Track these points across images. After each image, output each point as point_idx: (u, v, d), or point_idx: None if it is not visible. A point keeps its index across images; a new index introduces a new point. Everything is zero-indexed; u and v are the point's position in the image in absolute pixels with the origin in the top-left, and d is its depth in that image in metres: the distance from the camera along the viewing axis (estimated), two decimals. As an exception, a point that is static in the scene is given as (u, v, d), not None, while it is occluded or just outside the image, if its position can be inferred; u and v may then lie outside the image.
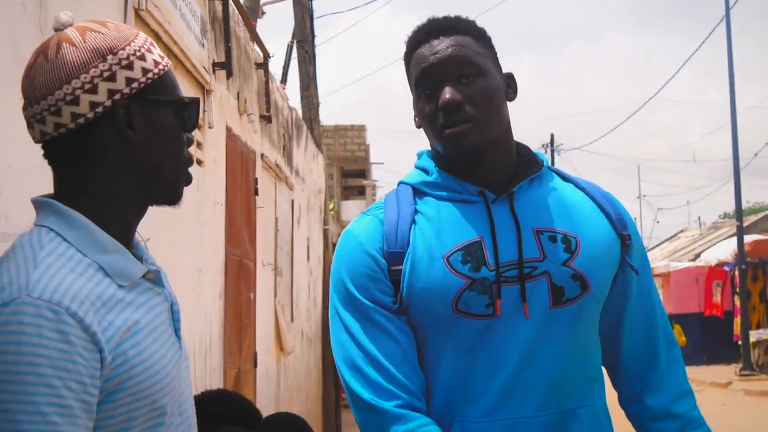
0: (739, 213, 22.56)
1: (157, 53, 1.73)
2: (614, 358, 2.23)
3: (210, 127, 6.03)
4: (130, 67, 1.66)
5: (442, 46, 2.09)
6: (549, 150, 45.58)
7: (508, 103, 2.17)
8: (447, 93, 2.05)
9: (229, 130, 6.74)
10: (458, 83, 2.07)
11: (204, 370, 5.88)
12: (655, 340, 2.20)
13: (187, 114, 1.75)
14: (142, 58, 1.68)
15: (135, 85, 1.66)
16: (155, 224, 4.73)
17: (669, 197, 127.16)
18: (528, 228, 2.08)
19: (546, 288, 2.04)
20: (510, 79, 2.18)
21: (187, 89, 5.54)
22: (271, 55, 8.19)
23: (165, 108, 1.72)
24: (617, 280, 2.17)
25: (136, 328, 1.59)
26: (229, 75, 6.54)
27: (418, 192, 2.17)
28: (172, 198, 1.79)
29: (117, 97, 1.64)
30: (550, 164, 2.26)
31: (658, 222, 45.78)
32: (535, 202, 2.12)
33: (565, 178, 2.24)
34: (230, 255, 6.72)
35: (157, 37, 4.84)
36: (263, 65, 8.20)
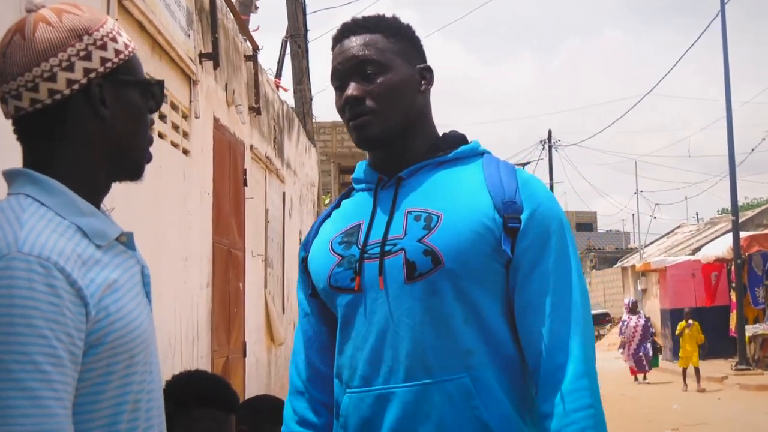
0: (735, 208, 22.60)
1: (125, 37, 1.82)
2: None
3: (196, 117, 6.10)
4: (104, 47, 1.75)
5: (351, 45, 2.26)
6: (546, 146, 45.67)
7: (423, 93, 2.31)
8: (349, 89, 2.23)
9: (216, 120, 6.80)
10: (362, 79, 2.23)
11: (191, 357, 5.95)
12: (546, 329, 2.14)
13: (152, 95, 1.85)
14: (114, 40, 1.77)
15: (109, 64, 1.75)
16: (138, 211, 4.80)
17: (667, 193, 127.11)
18: (402, 209, 2.22)
19: (401, 263, 2.14)
20: (425, 71, 2.31)
21: (172, 79, 5.61)
22: (260, 47, 8.24)
23: (133, 88, 1.81)
24: (510, 264, 2.17)
25: (116, 286, 1.67)
26: (216, 66, 6.60)
27: (353, 188, 2.41)
28: (136, 173, 1.87)
29: (92, 75, 1.73)
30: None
31: (655, 218, 45.73)
32: (421, 185, 2.24)
33: (483, 165, 2.29)
34: (218, 244, 6.78)
35: (141, 27, 4.91)
36: (252, 57, 8.27)
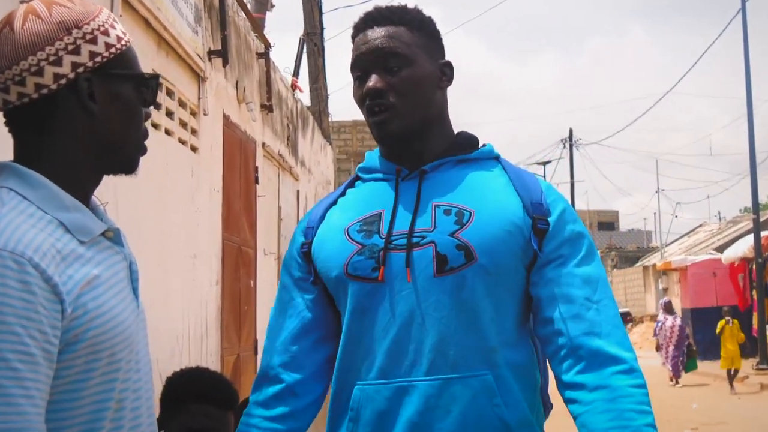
0: (756, 207, 22.40)
1: (119, 29, 1.78)
2: (540, 338, 2.23)
3: (205, 114, 6.09)
4: (94, 41, 1.71)
5: (375, 35, 2.22)
6: (567, 144, 45.49)
7: (442, 90, 2.29)
8: (371, 81, 2.19)
9: (226, 117, 6.79)
10: (385, 72, 2.20)
11: (199, 354, 5.94)
12: (581, 316, 2.13)
13: (147, 89, 1.82)
14: (106, 33, 1.74)
15: (98, 59, 1.72)
16: (143, 208, 4.79)
17: (689, 191, 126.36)
18: (428, 202, 2.19)
19: (431, 256, 2.12)
20: (446, 67, 2.30)
21: (179, 76, 5.60)
22: (272, 45, 8.23)
23: (126, 82, 1.78)
24: (535, 263, 2.18)
25: (96, 282, 1.64)
26: (225, 63, 6.59)
27: (358, 177, 2.37)
28: (129, 167, 1.84)
29: (80, 70, 1.70)
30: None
31: (676, 216, 45.58)
32: (446, 180, 2.23)
33: (505, 168, 2.31)
34: (228, 242, 6.77)
35: (147, 23, 4.90)
36: (264, 55, 8.25)
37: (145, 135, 1.84)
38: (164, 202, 5.22)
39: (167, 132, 5.31)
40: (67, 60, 1.68)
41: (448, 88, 2.32)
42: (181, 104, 5.64)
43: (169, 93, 5.38)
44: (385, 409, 2.12)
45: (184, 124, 5.69)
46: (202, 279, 6.09)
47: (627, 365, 2.08)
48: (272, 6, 13.65)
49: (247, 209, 7.49)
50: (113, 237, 1.76)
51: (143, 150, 1.84)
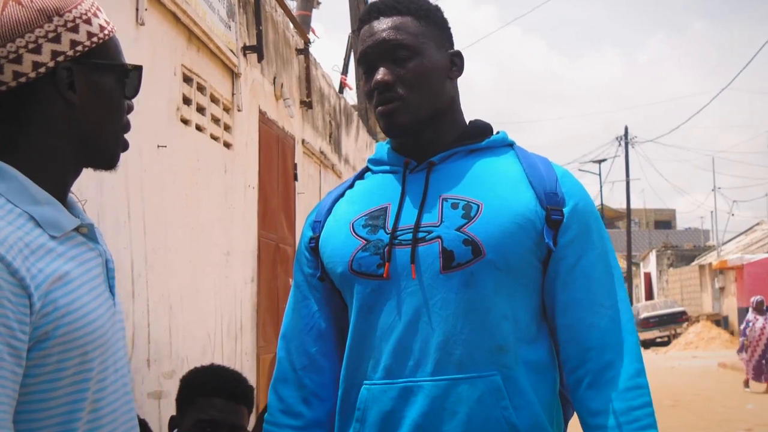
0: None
1: (103, 18, 1.73)
2: (554, 340, 2.16)
3: (239, 110, 6.03)
4: (75, 29, 1.67)
5: (381, 27, 2.17)
6: (623, 142, 45.04)
7: (452, 80, 2.23)
8: (379, 74, 2.15)
9: (262, 114, 6.73)
10: (393, 64, 2.15)
11: (233, 352, 5.89)
12: (594, 325, 2.07)
13: (129, 80, 1.77)
14: (88, 21, 1.69)
15: (79, 48, 1.67)
16: (175, 205, 4.74)
17: (746, 189, 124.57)
18: (435, 196, 2.12)
19: (437, 252, 2.05)
20: (456, 57, 2.24)
21: (212, 71, 5.54)
22: (311, 41, 8.17)
23: (107, 73, 1.73)
24: (551, 257, 2.11)
25: (68, 278, 1.58)
26: (260, 58, 6.53)
27: (368, 169, 2.32)
28: (109, 162, 1.78)
29: (60, 58, 1.65)
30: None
31: (733, 215, 44.81)
32: (455, 172, 2.16)
33: (519, 156, 2.24)
34: (264, 239, 6.71)
35: (176, 18, 4.85)
36: (304, 51, 8.19)
37: (127, 128, 1.78)
38: (196, 199, 5.17)
39: (198, 128, 5.26)
40: (47, 48, 1.63)
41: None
42: (214, 100, 5.58)
43: (201, 89, 5.32)
44: (390, 410, 2.06)
45: (216, 120, 5.64)
46: (236, 277, 6.03)
47: (632, 382, 2.03)
48: (318, 3, 13.63)
49: (285, 206, 7.43)
50: (87, 233, 1.69)
51: (124, 144, 1.79)
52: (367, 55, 2.18)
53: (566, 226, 2.10)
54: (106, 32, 1.71)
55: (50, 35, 1.63)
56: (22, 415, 1.50)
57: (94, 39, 1.69)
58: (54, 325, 1.52)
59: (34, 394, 1.52)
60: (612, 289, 2.11)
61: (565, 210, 2.10)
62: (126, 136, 1.80)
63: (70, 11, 1.66)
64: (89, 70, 1.69)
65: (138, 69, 1.77)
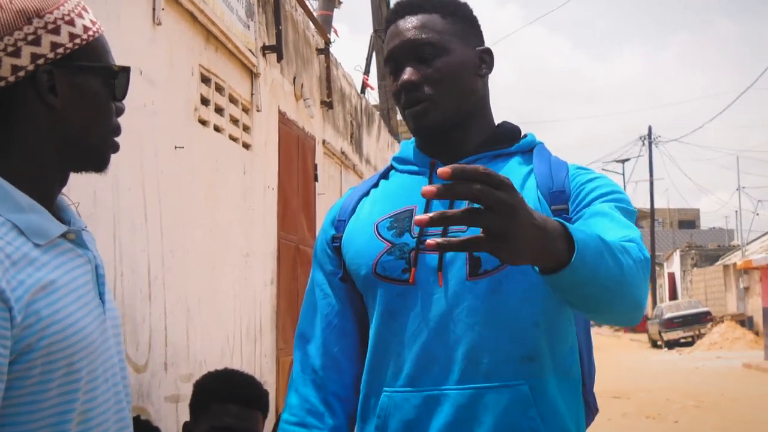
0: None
1: (88, 18, 1.67)
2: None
3: (258, 111, 5.99)
4: (56, 31, 1.61)
5: (406, 26, 2.13)
6: (646, 142, 44.80)
7: (482, 77, 2.17)
8: (405, 74, 2.11)
9: (282, 114, 6.68)
10: (419, 63, 2.11)
11: (252, 355, 5.84)
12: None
13: (118, 82, 1.70)
14: (71, 22, 1.63)
15: (60, 50, 1.61)
16: (193, 206, 4.70)
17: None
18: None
19: (465, 258, 2.01)
20: (485, 53, 2.18)
21: (230, 71, 5.50)
22: (332, 41, 8.12)
23: (93, 75, 1.67)
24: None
25: (52, 288, 1.52)
26: (280, 58, 6.48)
27: (393, 167, 2.26)
28: (98, 165, 1.72)
29: (41, 61, 1.59)
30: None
31: (758, 215, 44.38)
32: None
33: (534, 156, 2.18)
34: (284, 240, 6.66)
35: (193, 18, 4.80)
36: (324, 51, 8.14)
37: (117, 131, 1.72)
38: (214, 200, 5.12)
39: (217, 129, 5.21)
40: (27, 51, 1.57)
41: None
42: (232, 100, 5.53)
43: (219, 89, 5.28)
44: (413, 419, 2.00)
45: (235, 121, 5.59)
46: (256, 278, 5.99)
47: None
48: (339, 3, 13.59)
49: (305, 207, 7.38)
50: (75, 239, 1.63)
51: (113, 146, 1.72)
52: (393, 54, 2.14)
53: (571, 199, 2.05)
54: (90, 33, 1.65)
55: (30, 38, 1.58)
56: (7, 428, 1.46)
57: (77, 40, 1.63)
58: (37, 337, 1.47)
59: (20, 406, 1.48)
60: (626, 226, 1.93)
61: (570, 201, 2.05)
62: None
63: (51, 12, 1.61)
64: (72, 73, 1.63)
65: (126, 70, 1.71)
